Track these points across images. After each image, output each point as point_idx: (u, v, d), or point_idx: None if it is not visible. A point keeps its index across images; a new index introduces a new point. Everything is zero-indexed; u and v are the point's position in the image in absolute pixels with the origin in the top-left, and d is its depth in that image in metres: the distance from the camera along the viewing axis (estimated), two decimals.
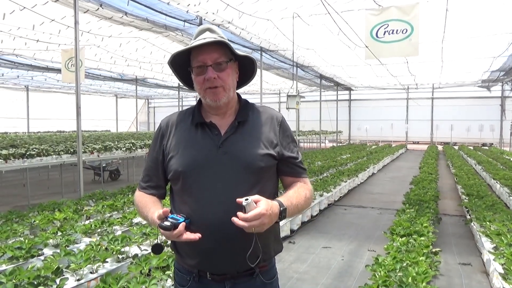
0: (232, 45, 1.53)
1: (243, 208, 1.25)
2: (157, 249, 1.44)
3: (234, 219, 1.24)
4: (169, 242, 1.58)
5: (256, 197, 1.28)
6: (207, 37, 1.41)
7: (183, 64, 1.47)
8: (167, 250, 3.79)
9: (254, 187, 1.39)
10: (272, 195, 1.48)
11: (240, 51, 1.50)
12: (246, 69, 1.54)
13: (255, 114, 1.52)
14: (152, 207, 1.45)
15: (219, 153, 1.41)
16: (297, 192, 1.46)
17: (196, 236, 1.30)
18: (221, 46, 1.41)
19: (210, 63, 1.40)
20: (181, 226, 1.28)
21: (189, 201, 1.42)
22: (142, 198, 1.54)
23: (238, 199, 1.27)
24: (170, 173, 1.48)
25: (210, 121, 1.47)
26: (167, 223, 1.27)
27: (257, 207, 1.25)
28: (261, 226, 1.25)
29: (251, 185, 1.39)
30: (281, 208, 1.33)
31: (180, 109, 1.70)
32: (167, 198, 1.62)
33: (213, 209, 1.37)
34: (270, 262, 1.53)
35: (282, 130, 1.52)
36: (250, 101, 1.60)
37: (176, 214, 1.33)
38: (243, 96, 1.59)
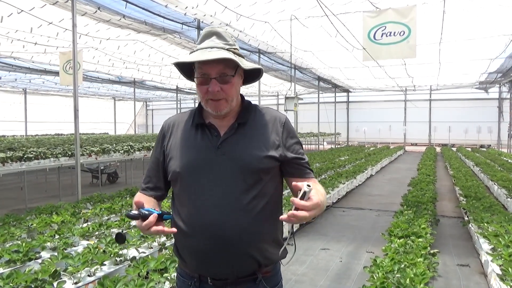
0: None
1: (302, 194, 1.16)
2: (119, 238, 1.42)
3: (295, 203, 1.16)
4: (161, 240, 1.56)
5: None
6: (214, 46, 1.36)
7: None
8: (165, 253, 3.78)
9: (253, 189, 1.37)
10: (274, 198, 1.46)
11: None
12: (253, 73, 1.49)
13: (257, 115, 1.48)
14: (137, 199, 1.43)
15: (218, 154, 1.39)
16: (316, 189, 1.37)
17: (167, 229, 1.26)
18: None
19: (214, 75, 1.35)
20: (152, 217, 1.24)
21: (187, 203, 1.40)
22: (138, 198, 1.52)
23: (297, 183, 1.21)
24: (169, 174, 1.47)
25: (209, 122, 1.46)
26: (134, 212, 1.24)
27: (312, 195, 1.19)
28: (312, 216, 1.20)
29: (250, 187, 1.37)
30: None
31: (179, 112, 1.70)
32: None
33: (210, 211, 1.35)
34: (273, 268, 1.49)
35: (286, 131, 1.47)
36: None
37: (154, 208, 1.30)
38: None
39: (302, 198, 1.16)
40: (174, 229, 1.28)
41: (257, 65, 1.47)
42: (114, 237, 1.46)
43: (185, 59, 1.38)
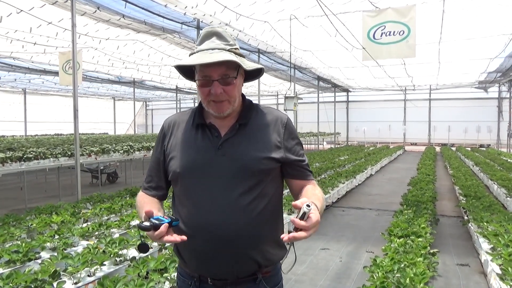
0: None
1: (302, 214, 1.16)
2: (142, 248, 1.41)
3: (295, 223, 1.16)
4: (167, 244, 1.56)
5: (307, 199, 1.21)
6: (215, 47, 1.34)
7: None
8: (165, 253, 3.78)
9: (253, 190, 1.36)
10: (275, 198, 1.45)
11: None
12: (253, 71, 1.46)
13: (258, 115, 1.47)
14: (147, 208, 1.42)
15: (218, 155, 1.37)
16: (315, 195, 1.38)
17: (178, 238, 1.25)
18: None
19: (216, 77, 1.33)
20: (163, 227, 1.23)
21: (187, 203, 1.40)
22: (142, 199, 1.52)
23: (296, 203, 1.19)
24: (170, 174, 1.46)
25: (209, 122, 1.45)
26: (146, 224, 1.24)
27: (311, 214, 1.17)
28: (311, 234, 1.19)
29: (250, 188, 1.36)
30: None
31: (178, 111, 1.68)
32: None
33: (210, 211, 1.35)
34: (274, 268, 1.48)
35: (288, 132, 1.46)
36: None
37: (163, 216, 1.30)
38: None
39: (301, 218, 1.17)
40: (185, 237, 1.26)
41: (258, 65, 1.45)
42: (137, 247, 1.43)
43: (186, 62, 1.37)
